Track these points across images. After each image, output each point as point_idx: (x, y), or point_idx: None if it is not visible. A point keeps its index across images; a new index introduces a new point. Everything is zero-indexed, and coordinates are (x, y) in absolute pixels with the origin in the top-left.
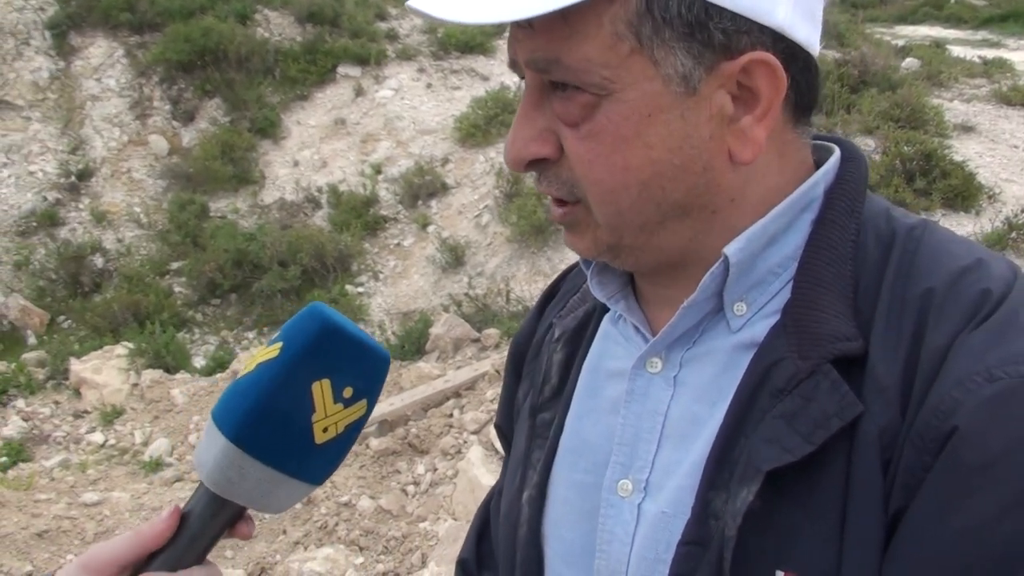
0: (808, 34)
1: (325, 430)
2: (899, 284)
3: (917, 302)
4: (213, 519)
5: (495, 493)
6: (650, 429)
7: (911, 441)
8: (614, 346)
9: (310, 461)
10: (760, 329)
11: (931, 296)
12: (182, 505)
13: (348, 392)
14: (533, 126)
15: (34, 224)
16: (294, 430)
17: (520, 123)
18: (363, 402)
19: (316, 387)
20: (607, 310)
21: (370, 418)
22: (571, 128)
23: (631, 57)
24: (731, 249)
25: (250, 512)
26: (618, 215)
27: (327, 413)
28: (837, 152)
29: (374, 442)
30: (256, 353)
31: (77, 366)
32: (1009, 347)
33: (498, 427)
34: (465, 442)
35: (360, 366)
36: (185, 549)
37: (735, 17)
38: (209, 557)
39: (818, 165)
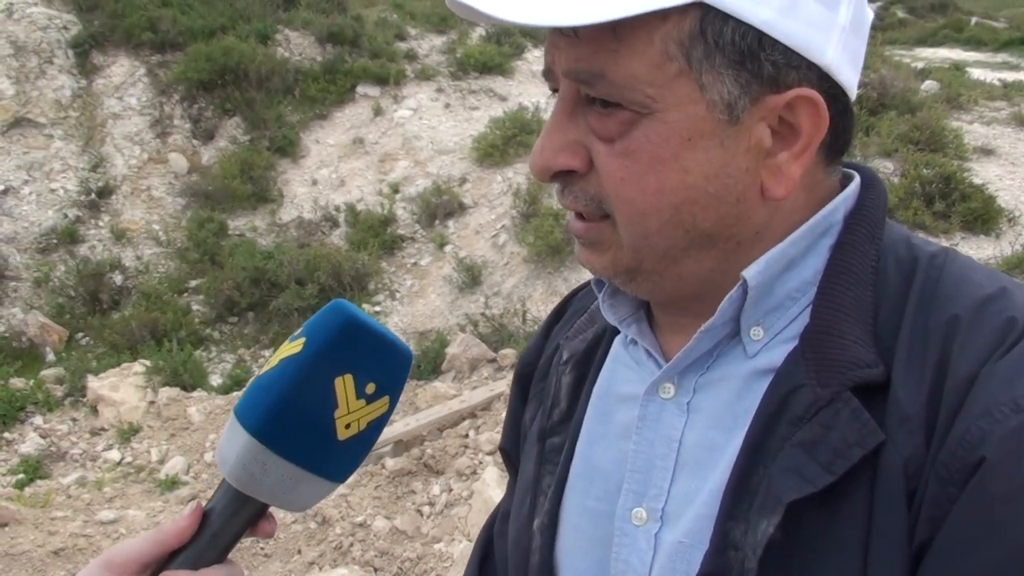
0: (850, 77)
1: (348, 426)
2: (922, 311)
3: (941, 329)
4: (235, 516)
5: (498, 516)
6: (664, 456)
7: (936, 472)
8: (625, 370)
9: (332, 458)
10: (777, 355)
11: (956, 324)
12: (204, 503)
13: (371, 388)
14: (564, 136)
15: (54, 241)
16: (316, 426)
17: (551, 132)
18: (385, 398)
19: (339, 382)
20: (617, 333)
21: (385, 438)
22: (605, 143)
23: (678, 78)
24: (750, 272)
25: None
26: (644, 238)
27: (350, 409)
28: (857, 178)
29: (389, 462)
30: (280, 348)
31: (95, 383)
32: None
33: (503, 450)
34: (480, 463)
35: (383, 362)
36: (207, 547)
37: (787, 51)
38: None
39: None
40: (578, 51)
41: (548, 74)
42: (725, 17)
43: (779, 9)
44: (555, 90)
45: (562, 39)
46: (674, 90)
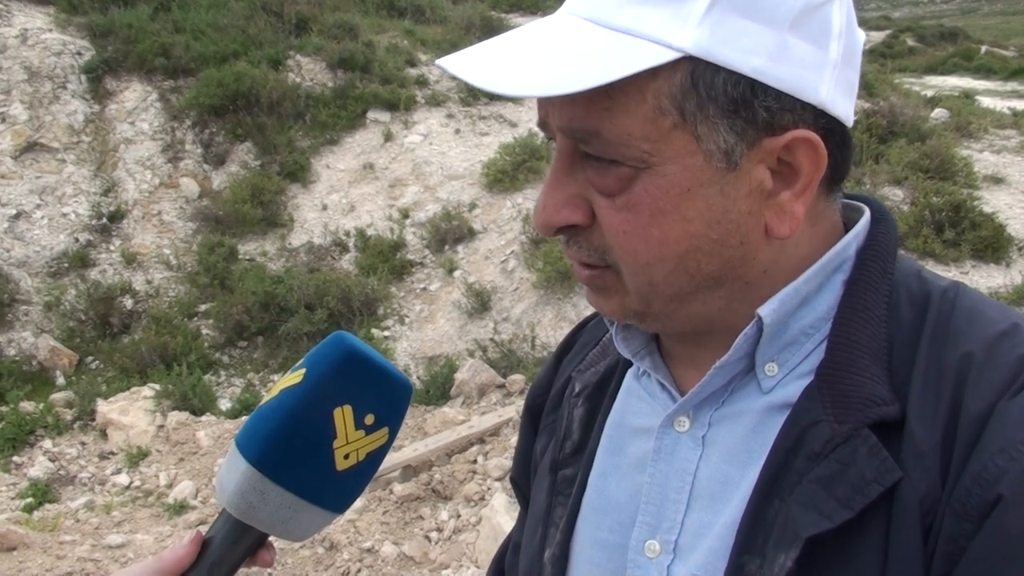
0: (845, 109)
1: (346, 457)
2: (935, 347)
3: (955, 366)
4: (234, 545)
5: (509, 546)
6: (678, 489)
7: (952, 508)
8: (638, 402)
9: (331, 488)
10: (792, 390)
11: (969, 360)
12: (204, 530)
13: (370, 419)
14: (564, 192)
15: (65, 265)
16: (315, 456)
17: (551, 188)
18: (384, 430)
19: (338, 413)
20: (629, 365)
21: (394, 463)
22: (606, 198)
23: (673, 132)
24: (765, 310)
25: (274, 546)
26: (651, 286)
27: (348, 440)
28: (867, 213)
29: (398, 487)
30: (281, 379)
31: (104, 407)
32: None
33: (514, 480)
34: (489, 489)
35: (382, 394)
36: (206, 575)
37: (780, 95)
38: None
39: (846, 225)
40: (572, 110)
41: (543, 126)
42: (715, 68)
43: (769, 55)
44: (551, 138)
45: (555, 96)
46: (670, 143)
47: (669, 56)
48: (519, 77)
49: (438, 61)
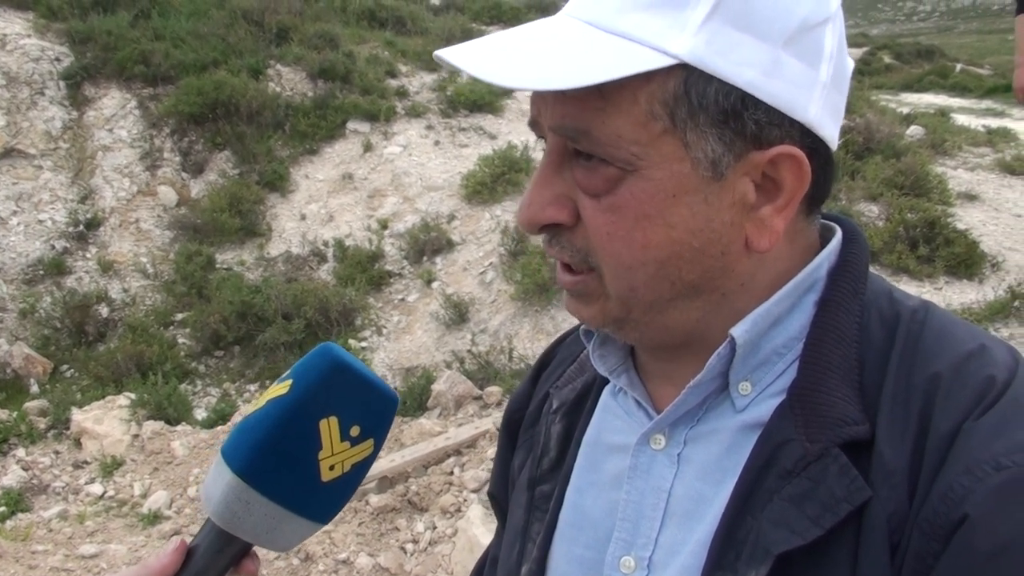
0: (831, 131)
1: (332, 468)
2: (904, 368)
3: (923, 386)
4: (218, 555)
5: (487, 561)
6: (653, 506)
7: (919, 527)
8: (614, 420)
9: (316, 499)
10: (765, 409)
11: (937, 381)
12: (188, 539)
13: (355, 431)
14: (551, 190)
15: (41, 272)
16: (300, 467)
17: (538, 185)
18: (370, 441)
19: (324, 424)
20: (606, 382)
21: (370, 474)
22: (592, 198)
23: (662, 137)
24: (738, 331)
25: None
26: (631, 290)
27: (334, 451)
28: (839, 233)
29: (374, 499)
30: (267, 390)
31: (79, 416)
32: (1014, 435)
33: (492, 495)
34: (465, 500)
35: (368, 405)
36: None
37: (770, 110)
38: None
39: (823, 245)
40: (565, 108)
41: (534, 125)
42: (709, 78)
43: (762, 70)
44: (541, 137)
45: (549, 94)
46: (659, 148)
47: (664, 62)
48: (517, 70)
49: (436, 53)
